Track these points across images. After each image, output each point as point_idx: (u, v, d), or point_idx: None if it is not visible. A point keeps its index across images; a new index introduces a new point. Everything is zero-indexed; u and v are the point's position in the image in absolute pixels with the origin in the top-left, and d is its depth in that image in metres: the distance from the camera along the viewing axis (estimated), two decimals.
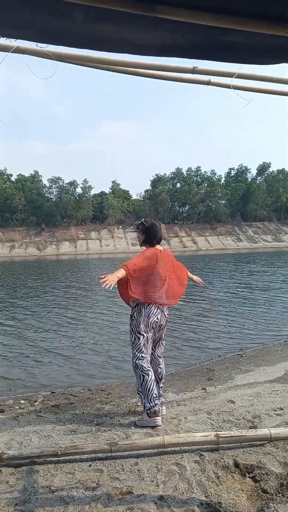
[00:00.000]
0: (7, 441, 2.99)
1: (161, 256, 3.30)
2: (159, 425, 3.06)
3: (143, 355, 3.23)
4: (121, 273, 3.08)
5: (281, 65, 1.90)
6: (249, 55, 1.84)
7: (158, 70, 2.14)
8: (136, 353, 3.23)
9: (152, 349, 3.36)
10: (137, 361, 3.21)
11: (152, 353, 3.37)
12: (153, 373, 3.24)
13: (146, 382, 3.16)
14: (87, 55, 2.04)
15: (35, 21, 1.44)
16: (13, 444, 2.92)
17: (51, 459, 2.56)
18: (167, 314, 3.40)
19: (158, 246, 3.36)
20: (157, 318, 3.26)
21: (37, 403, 4.26)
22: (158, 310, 3.28)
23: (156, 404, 3.12)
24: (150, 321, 3.23)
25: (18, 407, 4.13)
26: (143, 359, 3.22)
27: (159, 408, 3.14)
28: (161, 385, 3.43)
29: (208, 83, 2.30)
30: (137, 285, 3.21)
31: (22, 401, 4.35)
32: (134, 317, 3.27)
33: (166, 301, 3.32)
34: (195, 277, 3.68)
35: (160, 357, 3.45)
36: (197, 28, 1.54)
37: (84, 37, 1.56)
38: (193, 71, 2.16)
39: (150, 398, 3.12)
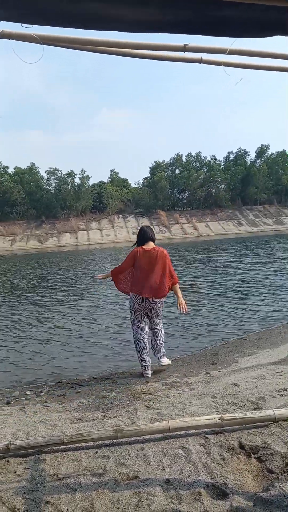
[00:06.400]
0: (14, 431, 3.01)
1: (143, 253, 4.38)
2: (147, 376, 4.40)
3: (135, 327, 4.48)
4: (108, 275, 4.65)
5: (273, 38, 1.85)
6: (241, 28, 1.77)
7: (147, 50, 2.06)
8: (131, 324, 4.55)
9: (151, 322, 4.54)
10: (132, 331, 4.56)
11: (151, 323, 4.53)
12: (143, 344, 4.43)
13: (137, 349, 4.50)
14: (74, 37, 1.97)
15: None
16: (20, 434, 2.95)
17: (58, 447, 2.58)
18: (153, 301, 4.39)
19: (146, 245, 4.45)
20: (138, 302, 4.40)
21: (43, 393, 4.29)
22: (140, 297, 4.38)
23: (141, 364, 4.47)
24: (133, 303, 4.43)
25: (24, 398, 4.17)
26: (136, 331, 4.48)
27: (144, 367, 4.45)
28: (160, 341, 4.52)
29: (200, 61, 2.22)
30: (122, 281, 4.55)
31: (28, 392, 4.39)
32: (129, 299, 4.53)
33: (147, 291, 4.34)
34: (181, 300, 4.44)
35: (156, 324, 4.52)
36: (188, 2, 1.49)
37: (69, 15, 1.50)
38: (184, 49, 2.08)
39: (140, 360, 4.49)
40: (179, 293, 4.44)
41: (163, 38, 1.85)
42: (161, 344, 4.55)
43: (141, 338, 4.45)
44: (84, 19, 1.54)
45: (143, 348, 4.45)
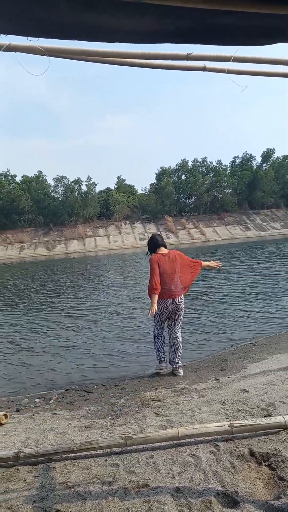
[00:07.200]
0: (24, 439, 3.02)
1: (163, 258, 4.66)
2: (163, 369, 4.84)
3: (158, 327, 4.80)
4: (155, 297, 4.46)
5: (277, 46, 1.86)
6: (243, 37, 1.79)
7: (151, 59, 2.09)
8: (155, 325, 4.85)
9: (170, 326, 4.82)
10: (155, 330, 4.88)
11: (170, 329, 4.84)
12: (163, 339, 4.82)
13: (156, 343, 4.85)
14: (79, 48, 2.01)
15: (22, 13, 1.42)
16: (29, 442, 2.95)
17: (67, 455, 2.58)
18: (179, 302, 4.64)
19: (160, 251, 4.75)
20: (166, 306, 4.64)
21: (52, 401, 4.29)
22: (168, 300, 4.61)
23: (160, 356, 4.84)
24: (160, 307, 4.61)
25: (33, 406, 4.17)
26: (158, 329, 4.81)
27: (162, 359, 4.84)
28: (178, 354, 4.80)
29: (203, 69, 2.24)
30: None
31: (37, 400, 4.39)
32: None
33: (173, 293, 4.59)
34: (211, 263, 4.86)
35: (176, 332, 4.79)
36: (186, 12, 1.50)
37: (72, 28, 1.53)
38: (188, 57, 2.11)
39: (158, 353, 4.84)
40: (208, 263, 4.87)
41: (167, 47, 1.87)
42: (179, 357, 4.83)
43: (162, 334, 4.83)
44: (86, 32, 1.56)
45: (163, 342, 4.84)
